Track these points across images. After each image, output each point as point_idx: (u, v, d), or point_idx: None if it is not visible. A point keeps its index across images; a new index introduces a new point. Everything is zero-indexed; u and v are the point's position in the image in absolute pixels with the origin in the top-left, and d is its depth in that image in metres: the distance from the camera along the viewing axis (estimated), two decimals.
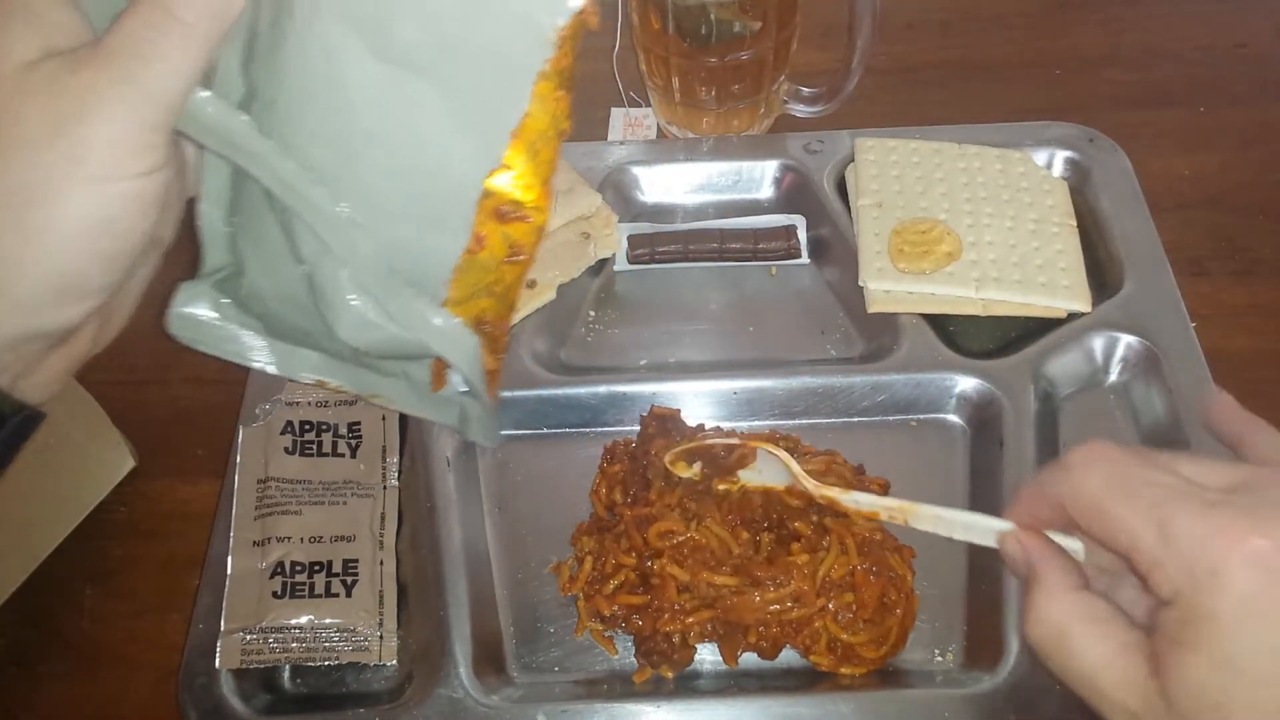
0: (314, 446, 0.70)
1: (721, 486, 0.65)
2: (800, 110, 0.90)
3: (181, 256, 0.89)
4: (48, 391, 0.45)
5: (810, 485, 0.62)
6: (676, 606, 0.61)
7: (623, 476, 0.68)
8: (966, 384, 0.72)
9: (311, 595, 0.64)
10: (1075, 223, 0.78)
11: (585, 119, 0.92)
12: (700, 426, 0.71)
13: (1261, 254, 0.81)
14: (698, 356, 0.77)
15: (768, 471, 0.65)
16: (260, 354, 0.50)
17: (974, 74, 0.94)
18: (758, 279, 0.81)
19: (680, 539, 0.62)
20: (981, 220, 0.78)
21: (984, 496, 0.68)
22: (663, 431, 0.69)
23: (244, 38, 0.41)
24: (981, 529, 0.58)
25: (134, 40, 0.38)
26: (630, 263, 0.81)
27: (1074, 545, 0.58)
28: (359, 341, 0.46)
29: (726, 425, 0.72)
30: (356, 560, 0.66)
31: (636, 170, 0.85)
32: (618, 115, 0.93)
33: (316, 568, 0.65)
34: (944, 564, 0.65)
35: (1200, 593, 0.37)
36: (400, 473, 0.71)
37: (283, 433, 0.70)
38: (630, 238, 0.82)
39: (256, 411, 0.72)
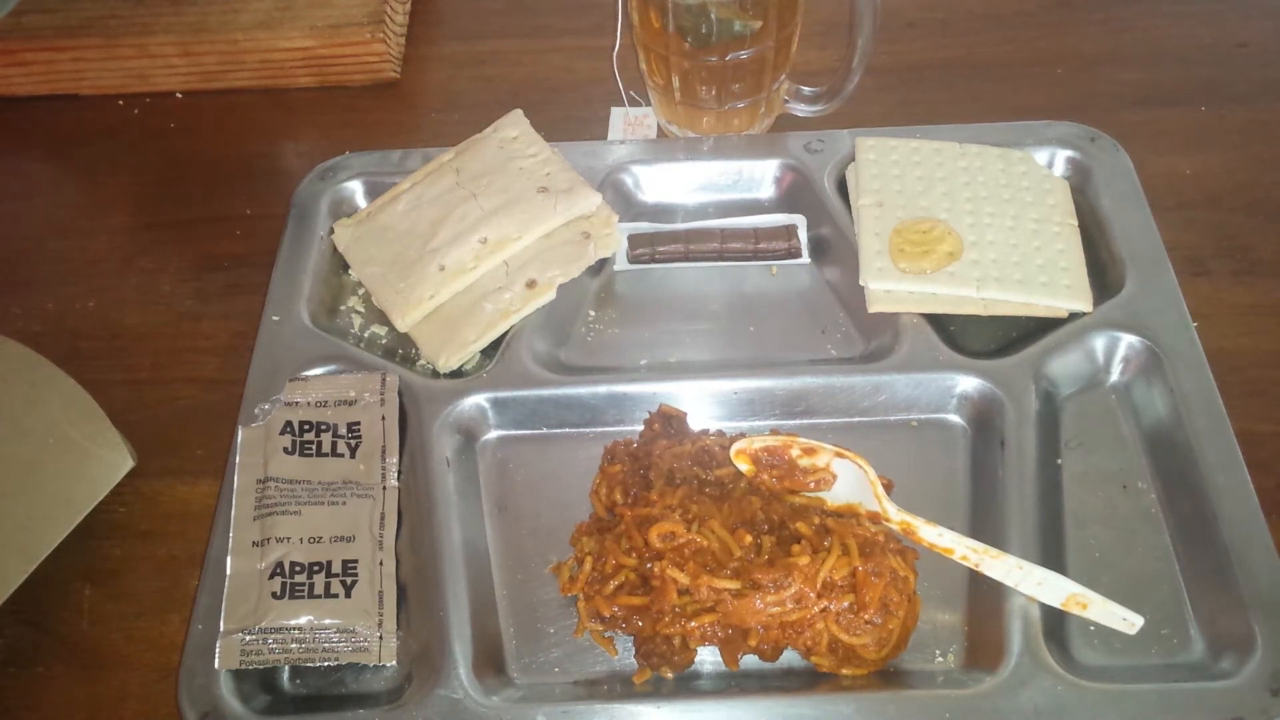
0: (313, 447, 0.70)
1: (794, 498, 0.66)
2: (801, 109, 0.89)
3: (169, 262, 0.90)
4: None
5: (891, 509, 0.64)
6: (677, 609, 0.61)
7: (623, 476, 0.68)
8: (968, 384, 0.71)
9: (311, 596, 0.64)
10: (1076, 222, 0.78)
11: (585, 119, 0.93)
12: (705, 430, 0.71)
13: (1262, 254, 0.81)
14: (698, 356, 0.77)
15: (845, 488, 0.65)
16: None
17: (975, 73, 0.94)
18: (758, 279, 0.81)
19: (681, 541, 0.62)
20: (983, 220, 0.77)
21: (985, 497, 0.68)
22: (667, 432, 0.69)
23: None
24: (1053, 587, 0.61)
25: None
26: (630, 262, 0.81)
27: (1136, 620, 0.60)
28: None
29: (728, 425, 0.72)
30: (356, 561, 0.66)
31: (636, 170, 0.85)
32: (618, 115, 0.93)
33: (316, 568, 0.65)
34: (945, 566, 0.65)
35: None
36: (400, 473, 0.70)
37: (282, 433, 0.70)
38: (630, 237, 0.82)
39: (255, 412, 0.72)
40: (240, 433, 0.71)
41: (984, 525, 0.67)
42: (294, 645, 0.63)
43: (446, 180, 0.82)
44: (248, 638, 0.63)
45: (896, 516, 0.65)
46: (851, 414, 0.73)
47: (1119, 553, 0.66)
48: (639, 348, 0.77)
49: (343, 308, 0.81)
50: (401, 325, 0.77)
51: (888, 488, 0.66)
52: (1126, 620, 0.62)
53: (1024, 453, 0.68)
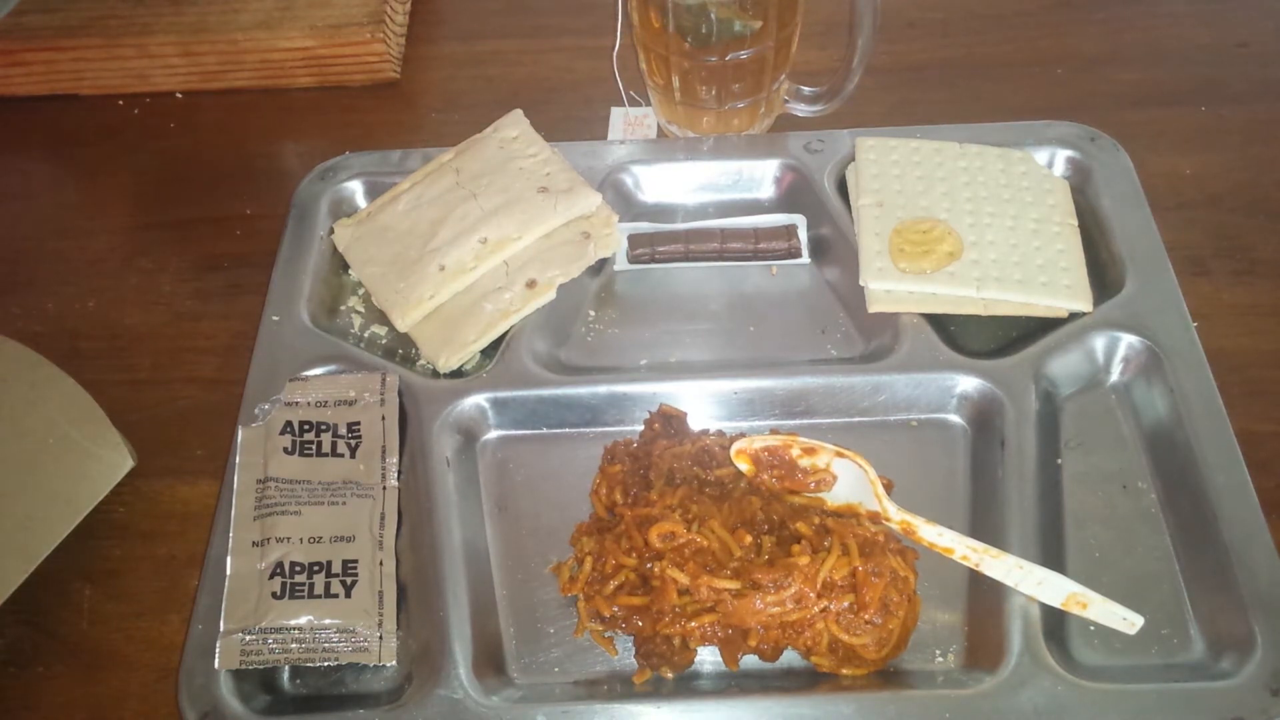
0: (313, 447, 0.70)
1: (794, 498, 0.66)
2: (801, 109, 0.89)
3: (169, 262, 0.90)
4: None
5: (891, 509, 0.64)
6: (677, 609, 0.61)
7: (623, 476, 0.68)
8: (967, 384, 0.71)
9: (311, 596, 0.64)
10: (1076, 222, 0.78)
11: (585, 119, 0.93)
12: (705, 430, 0.71)
13: (1262, 254, 0.81)
14: (698, 356, 0.77)
15: (845, 488, 0.65)
16: None
17: (975, 73, 0.94)
18: (758, 279, 0.81)
19: (681, 541, 0.62)
20: (982, 220, 0.77)
21: (985, 497, 0.68)
22: (667, 432, 0.69)
23: None
24: (1053, 586, 0.61)
25: None
26: (630, 262, 0.81)
27: (1137, 619, 0.60)
28: None
29: (728, 425, 0.72)
30: (356, 561, 0.66)
31: (636, 170, 0.85)
32: (618, 115, 0.93)
33: (316, 568, 0.65)
34: (945, 565, 0.65)
35: None
36: (400, 473, 0.70)
37: (282, 433, 0.70)
38: (630, 237, 0.82)
39: (255, 412, 0.72)
40: (240, 433, 0.71)
41: (984, 525, 0.67)
42: (294, 645, 0.63)
43: (446, 180, 0.82)
44: (248, 638, 0.63)
45: (896, 516, 0.65)
46: (851, 414, 0.73)
47: (1119, 553, 0.66)
48: (639, 348, 0.77)
49: (343, 308, 0.81)
50: (401, 325, 0.77)
51: (888, 488, 0.66)
52: (1126, 620, 0.62)
53: (1024, 453, 0.68)
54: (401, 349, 0.78)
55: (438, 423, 0.72)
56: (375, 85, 0.98)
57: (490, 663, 0.64)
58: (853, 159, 0.82)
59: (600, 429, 0.73)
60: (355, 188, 0.86)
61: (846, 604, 0.60)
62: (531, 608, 0.66)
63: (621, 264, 0.81)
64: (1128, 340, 0.72)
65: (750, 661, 0.63)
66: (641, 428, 0.71)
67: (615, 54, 0.89)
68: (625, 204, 0.85)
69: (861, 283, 0.75)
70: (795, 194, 0.84)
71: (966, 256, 0.75)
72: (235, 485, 0.69)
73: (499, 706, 0.61)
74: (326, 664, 0.63)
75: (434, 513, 0.68)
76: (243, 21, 0.96)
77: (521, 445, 0.74)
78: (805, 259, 0.81)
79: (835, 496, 0.66)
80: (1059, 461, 0.70)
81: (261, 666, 0.63)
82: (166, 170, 0.94)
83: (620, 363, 0.77)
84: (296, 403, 0.72)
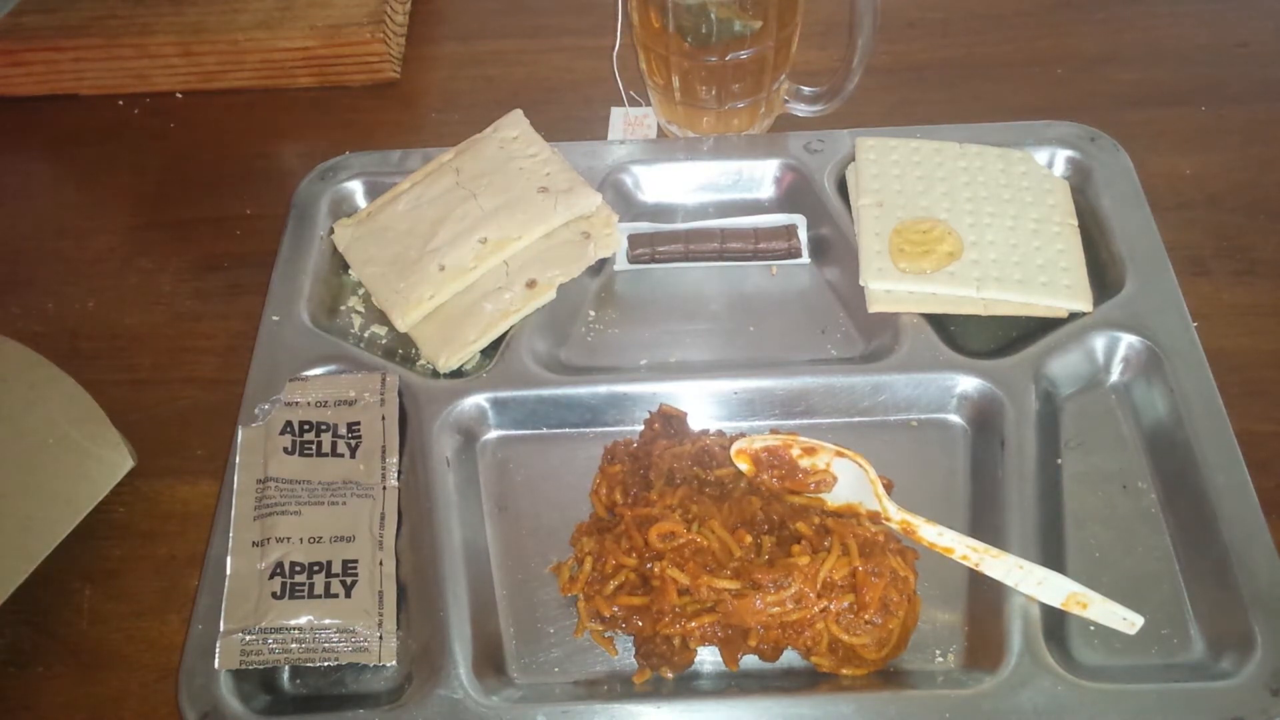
0: (313, 447, 0.70)
1: (794, 498, 0.66)
2: (801, 109, 0.89)
3: (169, 262, 0.90)
4: None
5: (891, 509, 0.64)
6: (677, 609, 0.61)
7: (623, 476, 0.68)
8: (967, 384, 0.71)
9: (311, 596, 0.64)
10: (1076, 222, 0.78)
11: (585, 119, 0.93)
12: (705, 430, 0.71)
13: (1262, 254, 0.81)
14: (698, 356, 0.77)
15: (845, 488, 0.65)
16: None
17: (975, 73, 0.94)
18: (758, 279, 0.81)
19: (681, 541, 0.62)
20: (983, 220, 0.77)
21: (985, 497, 0.68)
22: (667, 432, 0.69)
23: None
24: (1053, 586, 0.61)
25: None
26: (630, 262, 0.81)
27: (1137, 619, 0.60)
28: None
29: (728, 425, 0.72)
30: (356, 561, 0.66)
31: (636, 170, 0.85)
32: (618, 115, 0.93)
33: (316, 568, 0.65)
34: (945, 565, 0.65)
35: None
36: (400, 473, 0.70)
37: (282, 433, 0.70)
38: (630, 237, 0.82)
39: (255, 412, 0.72)
40: (240, 433, 0.71)
41: (984, 525, 0.67)
42: (294, 645, 0.63)
43: (446, 180, 0.82)
44: (248, 638, 0.63)
45: (896, 516, 0.65)
46: (851, 414, 0.73)
47: (1119, 553, 0.66)
48: (639, 348, 0.77)
49: (343, 308, 0.81)
50: (401, 325, 0.77)
51: (888, 488, 0.66)
52: (1126, 620, 0.62)
53: (1024, 453, 0.68)
54: (401, 349, 0.78)
55: (438, 423, 0.72)
56: (375, 85, 0.98)
57: (490, 663, 0.64)
58: (853, 159, 0.82)
59: (600, 429, 0.73)
60: (355, 188, 0.86)
61: (846, 604, 0.60)
62: (531, 608, 0.66)
63: (621, 264, 0.82)
64: (1128, 340, 0.72)
65: (750, 661, 0.63)
66: (641, 428, 0.71)
67: (615, 54, 0.89)
68: (625, 204, 0.85)
69: (861, 283, 0.75)
70: (795, 194, 0.84)
71: (966, 256, 0.75)
72: (235, 485, 0.69)
73: (499, 706, 0.61)
74: (326, 664, 0.63)
75: (434, 513, 0.68)
76: (243, 21, 0.96)
77: (521, 445, 0.74)
78: (805, 259, 0.81)
79: (835, 496, 0.66)
80: (1059, 461, 0.70)
81: (261, 666, 0.63)
82: (166, 170, 0.94)
83: (620, 363, 0.77)
84: (296, 403, 0.72)
